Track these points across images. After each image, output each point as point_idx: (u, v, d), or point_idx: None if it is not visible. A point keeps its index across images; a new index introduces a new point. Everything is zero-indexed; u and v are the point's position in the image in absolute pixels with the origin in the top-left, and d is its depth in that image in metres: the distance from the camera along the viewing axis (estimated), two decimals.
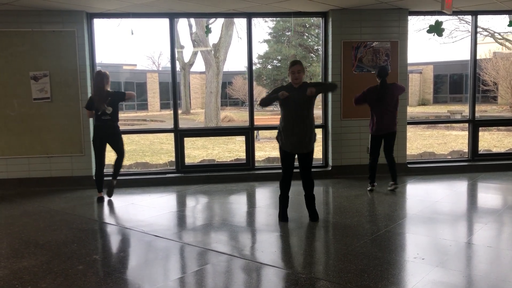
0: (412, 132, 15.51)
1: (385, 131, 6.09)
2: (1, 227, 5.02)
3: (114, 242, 4.59)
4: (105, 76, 5.95)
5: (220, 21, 19.19)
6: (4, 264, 3.88)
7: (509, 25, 6.96)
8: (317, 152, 11.75)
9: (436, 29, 6.60)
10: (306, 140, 4.80)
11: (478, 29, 9.59)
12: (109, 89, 5.98)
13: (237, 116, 23.69)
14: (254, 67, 8.54)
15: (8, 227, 5.00)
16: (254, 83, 19.58)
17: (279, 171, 7.25)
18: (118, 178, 6.26)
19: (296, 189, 6.55)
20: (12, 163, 6.77)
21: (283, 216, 5.00)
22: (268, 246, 4.34)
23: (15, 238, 4.59)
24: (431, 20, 6.68)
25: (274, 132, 5.74)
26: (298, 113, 4.74)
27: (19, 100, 6.70)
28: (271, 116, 17.52)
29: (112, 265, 3.93)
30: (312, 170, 7.33)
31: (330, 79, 7.23)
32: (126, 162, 10.58)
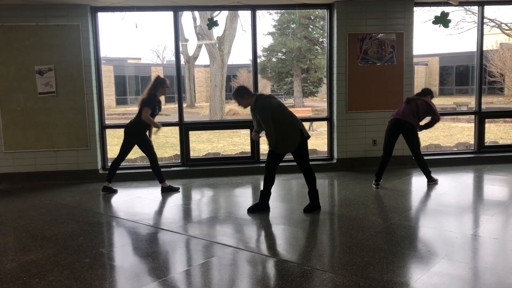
0: None
1: (394, 122, 6.04)
2: (8, 221, 5.06)
3: (120, 235, 4.61)
4: (155, 82, 6.05)
5: (225, 13, 19.11)
6: (12, 257, 3.92)
7: None
8: (322, 145, 11.75)
9: (442, 20, 6.54)
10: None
11: (485, 20, 9.50)
12: (162, 94, 6.12)
13: (242, 110, 23.62)
14: (258, 60, 8.51)
15: (15, 220, 5.04)
16: (259, 76, 19.47)
17: (283, 164, 7.26)
18: (129, 171, 6.26)
19: (301, 182, 6.55)
20: (19, 157, 6.81)
21: (255, 207, 5.13)
22: (273, 239, 4.36)
23: (23, 232, 4.63)
24: (437, 11, 6.62)
25: None
26: (260, 127, 5.13)
27: (25, 95, 6.72)
28: None
29: (118, 258, 3.95)
30: (318, 163, 7.42)
31: (335, 71, 7.19)
32: (131, 155, 10.56)
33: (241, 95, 5.04)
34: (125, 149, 6.08)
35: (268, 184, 5.08)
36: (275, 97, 5.20)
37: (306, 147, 5.00)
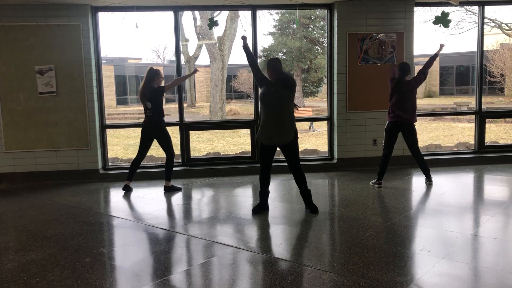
0: (418, 124, 15.38)
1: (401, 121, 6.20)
2: (9, 220, 5.06)
3: (121, 235, 4.61)
4: (151, 73, 5.99)
5: (225, 13, 19.11)
6: (12, 256, 3.92)
7: None
8: (323, 145, 11.76)
9: (443, 20, 6.54)
10: (282, 131, 4.84)
11: (485, 20, 9.51)
12: (158, 85, 6.04)
13: (242, 109, 23.66)
14: (259, 60, 8.51)
15: (16, 220, 5.04)
16: None
17: (284, 164, 7.27)
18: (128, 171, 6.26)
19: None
20: (19, 157, 6.81)
21: (257, 208, 5.08)
22: (273, 239, 4.36)
23: (23, 231, 4.63)
24: (437, 11, 6.62)
25: None
26: (275, 106, 4.82)
27: (25, 94, 6.73)
28: None
29: (118, 257, 3.96)
30: (318, 162, 7.42)
31: (335, 71, 7.20)
32: (130, 155, 10.59)
33: (271, 64, 4.91)
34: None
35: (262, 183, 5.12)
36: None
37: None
